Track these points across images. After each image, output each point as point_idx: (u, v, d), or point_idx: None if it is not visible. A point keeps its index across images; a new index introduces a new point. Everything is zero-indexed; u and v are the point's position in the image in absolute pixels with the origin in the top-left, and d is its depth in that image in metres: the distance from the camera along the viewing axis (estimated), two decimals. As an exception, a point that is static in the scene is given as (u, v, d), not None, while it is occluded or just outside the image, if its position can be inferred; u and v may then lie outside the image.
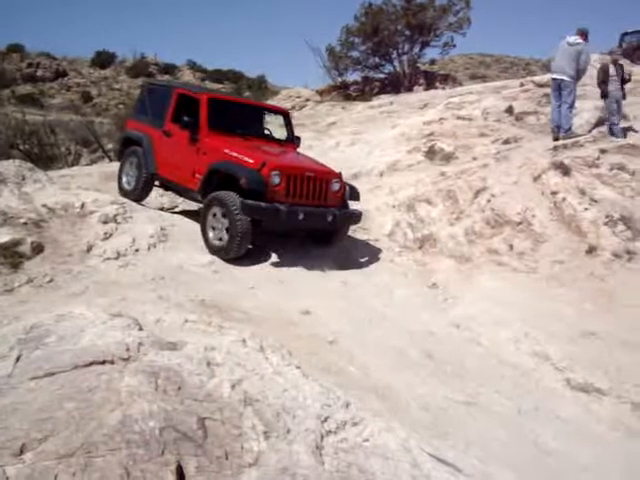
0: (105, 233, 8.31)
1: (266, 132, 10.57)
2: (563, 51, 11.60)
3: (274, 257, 8.82)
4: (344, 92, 27.16)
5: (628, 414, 6.05)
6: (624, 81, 12.16)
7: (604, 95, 12.14)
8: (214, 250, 8.47)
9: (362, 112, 18.51)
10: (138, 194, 10.26)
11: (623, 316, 7.51)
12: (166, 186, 10.43)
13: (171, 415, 3.14)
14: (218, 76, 50.62)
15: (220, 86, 45.82)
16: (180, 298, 6.74)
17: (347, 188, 9.33)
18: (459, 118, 14.36)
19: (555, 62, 11.80)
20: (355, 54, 28.22)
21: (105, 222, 8.54)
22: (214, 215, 8.55)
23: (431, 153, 12.63)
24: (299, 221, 8.40)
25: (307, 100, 23.21)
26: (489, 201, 9.92)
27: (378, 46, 27.62)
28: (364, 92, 27.02)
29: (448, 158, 12.35)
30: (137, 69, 49.44)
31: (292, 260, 8.74)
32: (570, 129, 11.70)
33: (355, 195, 9.54)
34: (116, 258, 7.86)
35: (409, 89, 26.41)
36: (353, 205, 9.70)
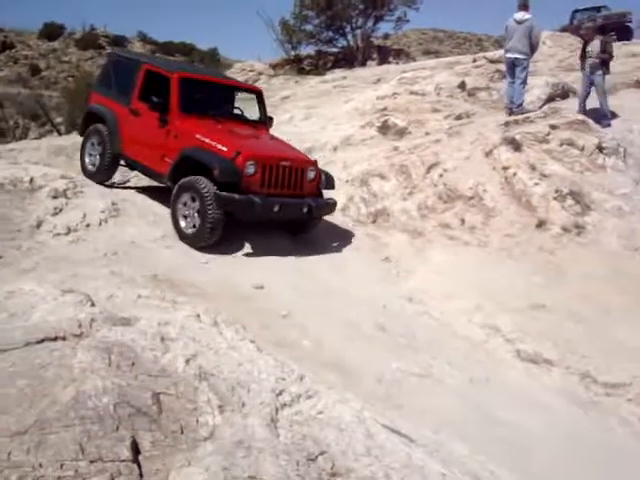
0: (55, 208, 8.16)
1: (237, 112, 10.14)
2: (514, 29, 11.66)
3: (225, 232, 8.67)
4: (297, 66, 27.05)
5: (576, 384, 6.21)
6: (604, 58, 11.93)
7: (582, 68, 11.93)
8: (184, 237, 8.19)
9: (316, 86, 18.46)
10: (103, 175, 9.79)
11: (571, 288, 7.67)
12: (132, 166, 9.89)
13: (125, 391, 3.12)
14: (169, 48, 49.83)
15: (172, 59, 45.15)
16: (133, 273, 6.68)
17: (322, 176, 9.05)
18: (412, 93, 14.38)
19: (508, 41, 11.85)
20: (309, 28, 28.14)
21: (55, 197, 8.38)
22: (185, 203, 8.23)
23: (384, 128, 12.64)
24: (274, 213, 8.14)
25: (260, 74, 23.03)
26: (441, 176, 9.99)
27: (332, 20, 27.54)
28: (318, 66, 26.95)
29: (401, 133, 12.39)
30: (86, 41, 48.30)
31: (245, 235, 8.65)
32: (522, 104, 11.83)
33: (331, 183, 9.25)
34: (67, 234, 7.73)
35: (362, 64, 26.40)
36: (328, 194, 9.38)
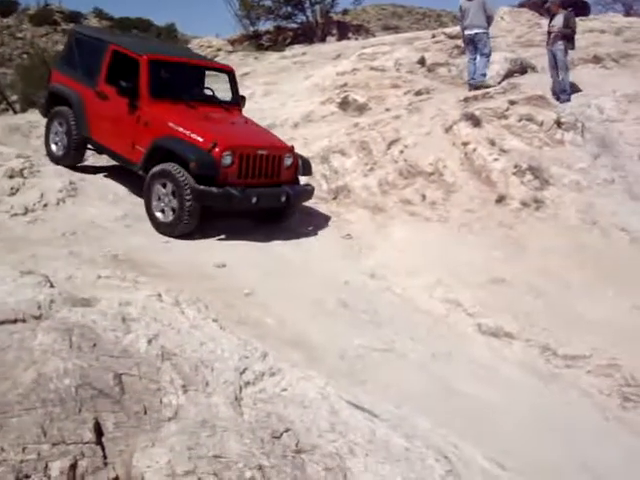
0: (12, 188, 8.04)
1: (208, 92, 9.78)
2: (469, 6, 11.79)
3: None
4: (256, 42, 26.77)
5: (537, 357, 6.31)
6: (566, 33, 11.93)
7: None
8: (158, 225, 7.96)
9: (275, 62, 18.33)
10: (71, 159, 9.41)
11: (531, 263, 7.78)
12: (100, 151, 9.49)
13: (87, 372, 3.08)
14: (126, 24, 48.96)
15: (138, 36, 44.46)
16: (92, 253, 6.61)
17: (300, 162, 8.83)
18: (372, 69, 14.35)
19: (464, 19, 11.93)
20: (267, 3, 27.79)
21: (11, 177, 8.24)
22: (159, 190, 7.97)
23: (345, 104, 12.61)
24: (252, 204, 7.96)
25: (219, 50, 22.78)
26: (402, 152, 10.01)
27: (291, -5, 27.27)
28: (277, 42, 26.70)
29: (361, 109, 12.37)
30: (41, 17, 47.16)
31: (206, 215, 8.53)
32: (485, 75, 11.91)
33: (308, 169, 9.07)
34: (24, 214, 7.63)
35: (322, 39, 26.23)
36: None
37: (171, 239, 7.69)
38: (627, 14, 28.58)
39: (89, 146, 9.51)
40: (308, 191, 8.95)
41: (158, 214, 8.00)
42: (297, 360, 4.81)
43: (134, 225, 7.98)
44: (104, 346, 3.46)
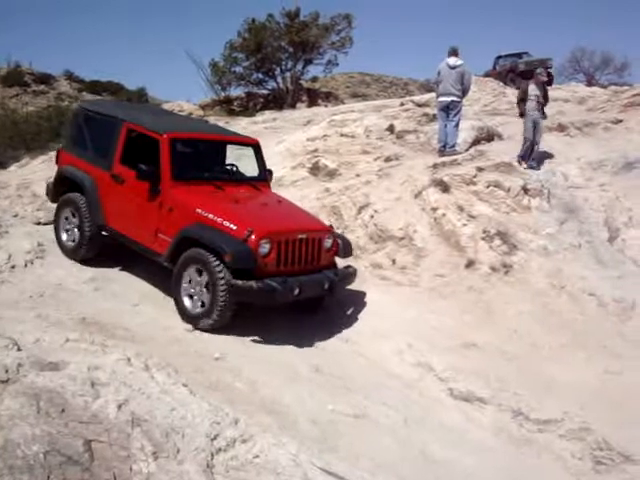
0: (-21, 249, 7.94)
1: (232, 168, 8.94)
2: (448, 74, 12.06)
3: (154, 273, 8.48)
4: (227, 107, 27.10)
5: (509, 421, 6.30)
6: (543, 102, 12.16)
7: (522, 114, 11.98)
8: (189, 317, 7.17)
9: (247, 127, 18.47)
10: (86, 251, 8.47)
11: (501, 327, 7.83)
12: (117, 241, 8.36)
13: (55, 438, 3.02)
14: (97, 87, 49.33)
15: (99, 98, 44.75)
16: (60, 316, 6.51)
17: (340, 243, 8.05)
18: (342, 135, 14.56)
19: (442, 85, 12.17)
20: (239, 70, 28.27)
21: (-22, 238, 8.16)
22: (190, 279, 7.21)
23: (315, 169, 12.74)
24: (294, 296, 7.11)
25: (190, 114, 22.96)
26: (372, 217, 10.11)
27: (262, 62, 27.79)
28: (247, 107, 27.08)
29: (332, 174, 12.50)
30: (11, 78, 47.40)
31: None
32: (454, 145, 12.15)
33: (348, 250, 8.30)
34: (-9, 275, 7.52)
35: (292, 106, 26.65)
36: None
37: (140, 302, 7.61)
38: (589, 84, 29.63)
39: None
40: (351, 274, 8.17)
41: (188, 304, 7.25)
42: (269, 425, 4.76)
43: (103, 287, 7.90)
44: (73, 411, 3.40)
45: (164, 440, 3.52)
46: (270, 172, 9.08)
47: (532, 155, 11.55)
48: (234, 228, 7.06)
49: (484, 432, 6.10)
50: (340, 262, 8.27)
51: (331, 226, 8.33)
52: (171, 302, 7.79)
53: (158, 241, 7.65)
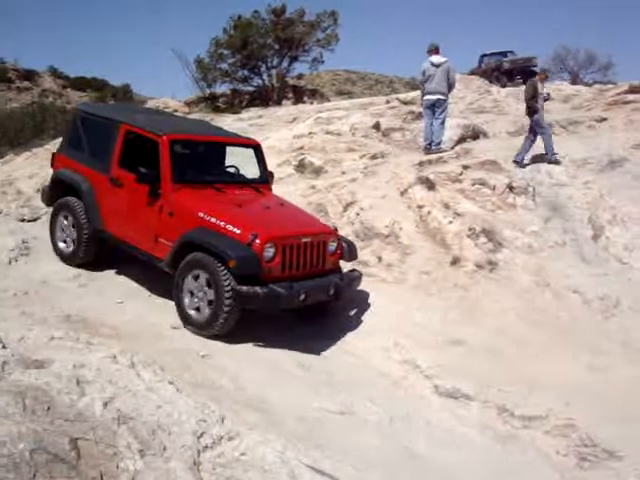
0: (-38, 247, 7.89)
1: (232, 170, 8.80)
2: (434, 72, 12.08)
3: (140, 270, 8.42)
4: (213, 104, 27.07)
5: (494, 418, 6.32)
6: (546, 100, 12.17)
7: (533, 112, 11.74)
8: (192, 323, 6.98)
9: (232, 124, 18.44)
10: (83, 257, 8.35)
11: (486, 324, 7.86)
12: (116, 245, 8.21)
13: (41, 436, 3.01)
14: (81, 84, 49.12)
15: (83, 94, 44.56)
16: (45, 314, 6.51)
17: (345, 246, 7.93)
18: (328, 133, 14.58)
19: (428, 84, 12.18)
20: (224, 66, 28.24)
21: (-39, 235, 8.11)
22: (194, 280, 7.01)
23: (301, 167, 12.73)
24: (300, 302, 6.95)
25: (175, 111, 22.86)
26: (358, 214, 10.11)
27: (247, 59, 27.79)
28: (233, 104, 27.06)
29: (318, 172, 12.50)
30: (-4, 74, 47.14)
31: (161, 274, 8.33)
32: (440, 143, 12.19)
33: (354, 254, 8.14)
34: (-25, 273, 7.49)
35: (278, 103, 26.65)
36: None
37: (126, 299, 7.58)
38: (573, 82, 29.81)
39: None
40: (357, 278, 8.03)
41: (191, 311, 7.06)
42: (255, 423, 4.76)
43: (88, 285, 7.88)
44: (59, 409, 3.39)
45: (150, 438, 3.51)
46: (271, 174, 8.94)
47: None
48: (238, 232, 6.90)
49: (469, 429, 6.12)
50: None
51: (335, 229, 8.17)
52: (157, 299, 7.79)
53: (158, 246, 7.47)
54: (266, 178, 8.75)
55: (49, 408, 3.35)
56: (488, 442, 5.95)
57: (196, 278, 6.97)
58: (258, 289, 6.65)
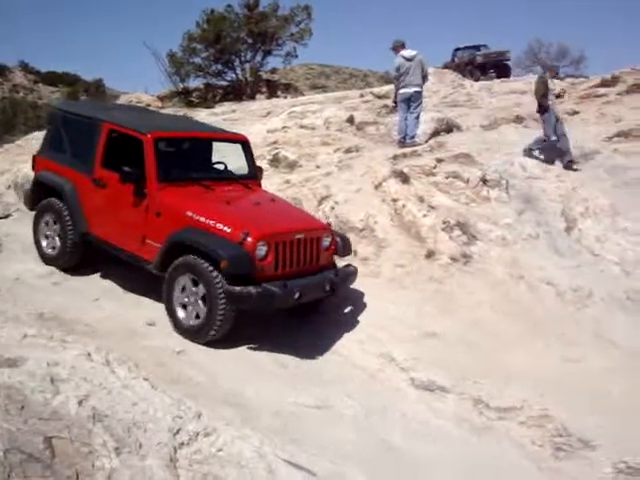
0: None
1: (219, 166, 8.64)
2: (409, 66, 12.17)
3: (115, 267, 8.34)
4: (186, 98, 26.94)
5: (470, 410, 6.36)
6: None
7: (545, 109, 11.74)
8: (183, 330, 6.78)
9: (205, 119, 18.34)
10: (67, 260, 8.16)
11: (461, 316, 7.90)
12: (101, 248, 7.95)
13: (15, 436, 2.97)
14: (52, 79, 48.70)
15: (55, 89, 44.18)
16: (17, 311, 6.46)
17: (339, 241, 7.79)
18: (302, 127, 14.57)
19: (404, 78, 12.24)
20: (197, 61, 28.15)
21: None
22: (183, 288, 6.83)
23: (275, 161, 12.71)
24: (295, 300, 6.76)
25: (148, 106, 22.76)
26: (333, 208, 10.10)
27: (220, 53, 27.71)
28: (206, 99, 26.97)
29: (292, 166, 12.48)
30: (-34, 70, 46.66)
31: (136, 271, 8.02)
32: (414, 136, 12.25)
33: (348, 249, 8.04)
34: (-55, 271, 7.40)
35: (251, 97, 26.60)
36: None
37: (101, 296, 7.53)
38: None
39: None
40: (352, 273, 7.87)
41: (182, 315, 6.86)
42: (231, 418, 4.76)
43: (62, 282, 7.83)
44: (33, 408, 3.36)
45: (126, 435, 3.49)
46: (260, 169, 8.78)
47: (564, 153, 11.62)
48: (228, 231, 6.68)
49: (445, 421, 6.14)
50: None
51: (329, 224, 8.05)
52: (132, 297, 7.75)
53: (146, 248, 7.25)
54: (255, 173, 8.58)
55: (23, 407, 3.32)
56: (464, 434, 5.98)
57: (187, 281, 6.79)
58: (252, 289, 6.45)
